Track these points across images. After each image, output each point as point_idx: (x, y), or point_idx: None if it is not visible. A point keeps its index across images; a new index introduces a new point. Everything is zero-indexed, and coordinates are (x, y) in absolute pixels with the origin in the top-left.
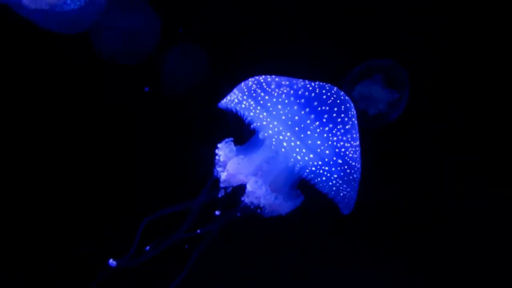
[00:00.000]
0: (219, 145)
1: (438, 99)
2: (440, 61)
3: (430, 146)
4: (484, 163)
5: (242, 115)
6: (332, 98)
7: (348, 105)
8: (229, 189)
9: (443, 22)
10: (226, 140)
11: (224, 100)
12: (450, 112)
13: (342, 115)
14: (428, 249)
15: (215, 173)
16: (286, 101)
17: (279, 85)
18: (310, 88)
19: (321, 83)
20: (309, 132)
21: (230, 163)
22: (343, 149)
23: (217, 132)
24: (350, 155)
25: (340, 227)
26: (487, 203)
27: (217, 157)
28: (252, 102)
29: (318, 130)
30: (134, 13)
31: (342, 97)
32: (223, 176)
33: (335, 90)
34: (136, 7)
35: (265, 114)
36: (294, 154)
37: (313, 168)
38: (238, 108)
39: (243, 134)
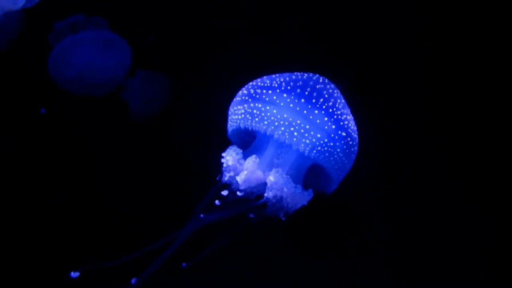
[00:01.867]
0: (224, 153)
1: (438, 99)
2: (438, 61)
3: (430, 146)
4: (484, 163)
5: (252, 128)
6: (320, 80)
7: (332, 84)
8: (250, 192)
9: (442, 23)
10: (230, 146)
11: (231, 123)
12: (450, 112)
13: (336, 91)
14: (428, 249)
15: (224, 179)
16: (288, 87)
17: (272, 79)
18: (299, 76)
19: (299, 72)
20: (316, 111)
21: (247, 162)
22: (345, 122)
23: (215, 139)
24: (352, 127)
25: (338, 227)
26: (487, 203)
27: (224, 164)
28: (259, 105)
29: (324, 106)
30: (104, 49)
31: (326, 80)
32: (242, 176)
33: (316, 75)
34: (107, 42)
35: (275, 111)
36: (304, 139)
37: (320, 148)
38: (248, 123)
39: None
